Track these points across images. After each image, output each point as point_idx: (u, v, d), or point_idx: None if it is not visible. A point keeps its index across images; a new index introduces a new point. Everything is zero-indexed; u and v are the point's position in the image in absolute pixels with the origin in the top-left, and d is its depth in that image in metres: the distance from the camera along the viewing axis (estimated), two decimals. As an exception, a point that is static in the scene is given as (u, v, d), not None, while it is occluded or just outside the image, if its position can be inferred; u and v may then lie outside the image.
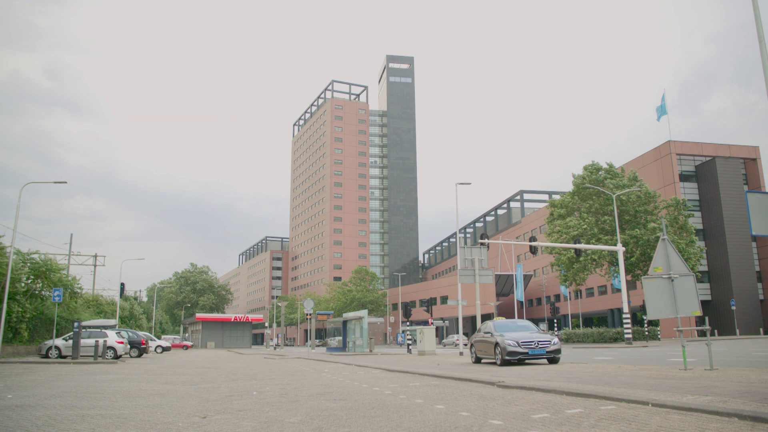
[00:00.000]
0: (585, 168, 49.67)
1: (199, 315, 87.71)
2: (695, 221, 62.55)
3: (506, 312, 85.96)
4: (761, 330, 59.34)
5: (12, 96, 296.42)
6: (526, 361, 18.64)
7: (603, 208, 47.79)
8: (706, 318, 40.45)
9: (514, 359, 17.62)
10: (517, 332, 18.62)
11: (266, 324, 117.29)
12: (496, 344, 18.12)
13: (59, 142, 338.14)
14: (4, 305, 26.57)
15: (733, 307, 57.26)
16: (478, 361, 20.68)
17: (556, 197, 64.49)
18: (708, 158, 66.26)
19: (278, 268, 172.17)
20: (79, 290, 39.66)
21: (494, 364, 18.93)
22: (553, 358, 18.12)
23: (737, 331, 57.41)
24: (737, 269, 62.44)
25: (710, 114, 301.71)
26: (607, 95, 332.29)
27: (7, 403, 9.13)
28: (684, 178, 66.21)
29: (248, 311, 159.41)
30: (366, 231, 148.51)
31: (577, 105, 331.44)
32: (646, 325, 44.11)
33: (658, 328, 46.96)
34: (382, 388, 11.73)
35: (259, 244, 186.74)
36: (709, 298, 63.68)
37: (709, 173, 65.71)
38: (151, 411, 8.36)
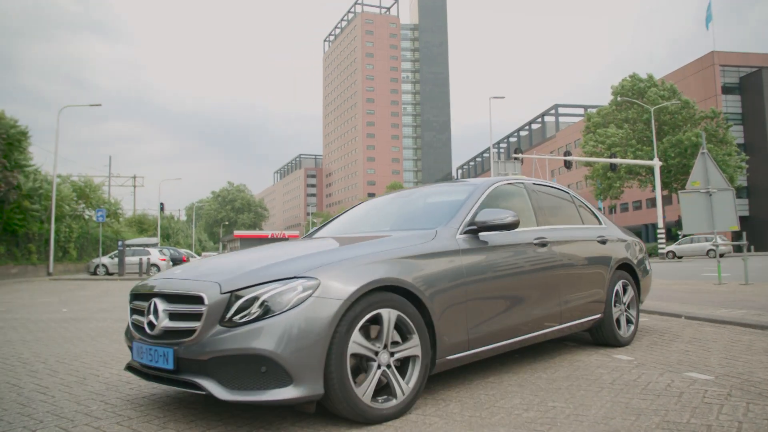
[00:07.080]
0: (623, 80, 48.73)
1: (237, 232, 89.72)
2: (737, 133, 60.75)
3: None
4: (799, 245, 58.56)
5: (41, 21, 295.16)
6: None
7: (641, 117, 47.20)
8: (744, 233, 40.05)
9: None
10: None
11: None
12: None
13: (90, 67, 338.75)
14: (52, 226, 27.62)
15: (772, 222, 56.43)
16: None
17: (592, 111, 63.17)
18: (754, 69, 63.56)
19: (313, 185, 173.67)
20: (120, 211, 40.93)
21: None
22: None
23: (775, 246, 56.80)
24: (778, 184, 61.08)
25: (757, 22, 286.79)
26: (647, 5, 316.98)
27: (63, 317, 9.69)
28: (726, 90, 63.82)
29: (284, 228, 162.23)
30: (399, 147, 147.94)
31: (616, 16, 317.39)
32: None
33: (694, 243, 46.65)
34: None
35: (294, 161, 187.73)
36: (747, 213, 62.69)
37: (754, 85, 63.17)
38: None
